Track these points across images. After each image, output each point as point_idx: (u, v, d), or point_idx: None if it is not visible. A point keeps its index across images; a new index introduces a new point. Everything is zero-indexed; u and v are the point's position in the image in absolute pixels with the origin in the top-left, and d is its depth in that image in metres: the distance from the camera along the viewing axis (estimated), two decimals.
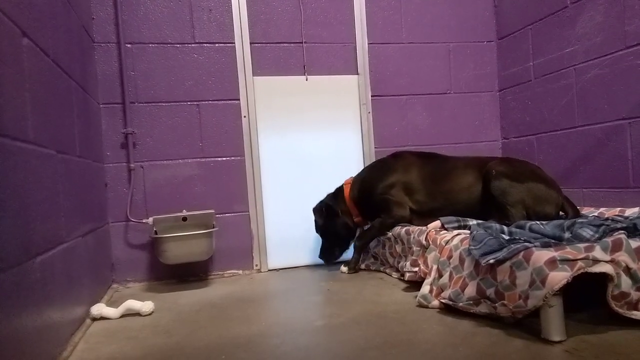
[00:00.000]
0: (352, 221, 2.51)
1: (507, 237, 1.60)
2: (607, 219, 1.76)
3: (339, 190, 2.55)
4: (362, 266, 2.50)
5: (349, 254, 2.67)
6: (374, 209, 2.41)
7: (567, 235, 1.61)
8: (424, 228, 1.99)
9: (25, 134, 1.29)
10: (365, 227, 2.51)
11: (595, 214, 2.12)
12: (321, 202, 2.55)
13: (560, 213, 2.11)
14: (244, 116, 2.66)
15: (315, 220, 2.54)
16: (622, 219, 1.73)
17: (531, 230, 1.71)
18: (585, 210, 2.22)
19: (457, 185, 2.28)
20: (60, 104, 1.67)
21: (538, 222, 1.75)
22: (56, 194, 1.53)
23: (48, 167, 1.47)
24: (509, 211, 2.05)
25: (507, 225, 1.79)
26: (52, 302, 1.40)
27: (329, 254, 2.55)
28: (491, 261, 1.45)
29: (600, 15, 2.30)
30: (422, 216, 2.30)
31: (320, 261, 2.68)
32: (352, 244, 2.53)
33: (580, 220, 1.72)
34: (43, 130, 1.44)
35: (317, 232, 2.57)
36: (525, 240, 1.52)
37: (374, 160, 2.80)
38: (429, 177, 2.36)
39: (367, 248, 2.52)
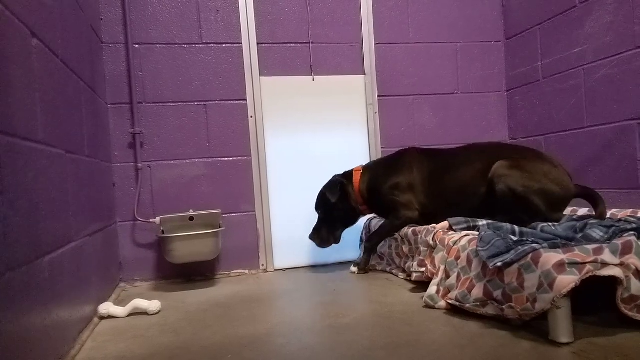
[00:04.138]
0: (357, 207, 2.47)
1: (515, 238, 1.59)
2: (619, 220, 1.74)
3: (349, 175, 2.48)
4: (363, 262, 2.48)
5: (351, 253, 2.67)
6: (381, 207, 2.40)
7: (579, 236, 1.59)
8: (431, 228, 1.99)
9: (35, 134, 1.30)
10: (370, 219, 2.50)
11: (607, 215, 2.10)
12: (334, 180, 2.46)
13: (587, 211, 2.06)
14: (251, 116, 2.67)
15: (323, 197, 2.43)
16: (635, 219, 1.72)
17: (543, 231, 1.69)
18: None
19: (464, 187, 2.22)
20: (69, 104, 1.68)
21: (550, 224, 1.74)
22: (65, 194, 1.55)
23: (57, 166, 1.48)
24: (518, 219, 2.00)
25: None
26: (61, 301, 1.42)
27: (325, 237, 2.45)
28: (499, 264, 1.44)
29: (609, 15, 2.28)
30: (429, 215, 2.28)
31: (326, 261, 2.69)
32: (360, 242, 2.51)
33: (592, 221, 1.71)
34: (52, 130, 1.46)
35: (317, 210, 2.49)
36: (533, 242, 1.51)
37: None
38: (435, 177, 2.31)
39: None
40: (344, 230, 2.52)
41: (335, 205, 2.41)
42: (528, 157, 2.12)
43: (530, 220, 1.95)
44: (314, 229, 2.49)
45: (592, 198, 2.04)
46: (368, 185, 2.43)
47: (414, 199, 2.33)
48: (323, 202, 2.45)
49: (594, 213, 2.14)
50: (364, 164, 2.53)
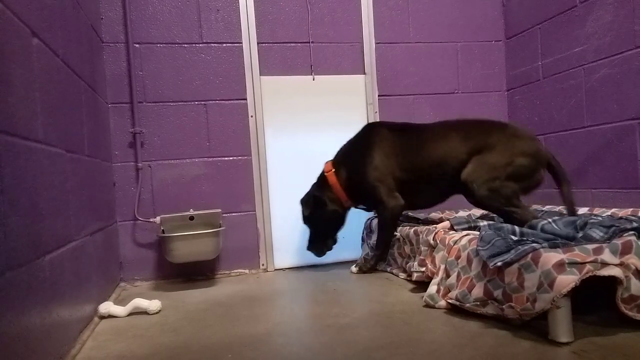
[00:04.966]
0: (341, 207, 2.44)
1: (515, 238, 1.58)
2: (620, 218, 1.75)
3: (322, 178, 2.46)
4: (368, 266, 2.49)
5: (351, 253, 2.68)
6: (365, 195, 2.38)
7: (579, 235, 1.59)
8: (432, 228, 1.99)
9: (35, 134, 1.30)
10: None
11: (608, 213, 2.10)
12: (307, 193, 2.48)
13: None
14: (251, 116, 2.67)
15: (303, 212, 2.47)
16: (635, 218, 1.72)
17: (543, 230, 1.69)
18: (596, 211, 2.20)
19: (438, 161, 2.24)
20: (69, 103, 1.68)
21: (550, 221, 1.74)
22: (65, 193, 1.55)
23: (57, 166, 1.48)
24: (507, 213, 2.05)
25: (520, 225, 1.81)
26: (61, 300, 1.42)
27: (321, 245, 2.49)
28: (499, 264, 1.44)
29: (609, 14, 2.28)
30: (408, 189, 2.30)
31: (327, 260, 2.68)
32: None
33: (592, 220, 1.71)
34: (52, 129, 1.46)
35: (304, 223, 2.50)
36: (533, 241, 1.51)
37: None
38: (408, 150, 2.30)
39: (370, 244, 2.50)
40: (336, 234, 2.53)
41: (317, 217, 2.44)
42: (493, 142, 2.14)
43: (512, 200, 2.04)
44: (309, 241, 2.53)
45: (556, 175, 2.11)
46: (348, 177, 2.39)
47: (393, 182, 2.30)
48: (305, 217, 2.48)
49: (594, 213, 2.15)
50: (332, 159, 2.48)
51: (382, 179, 2.30)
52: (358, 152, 2.39)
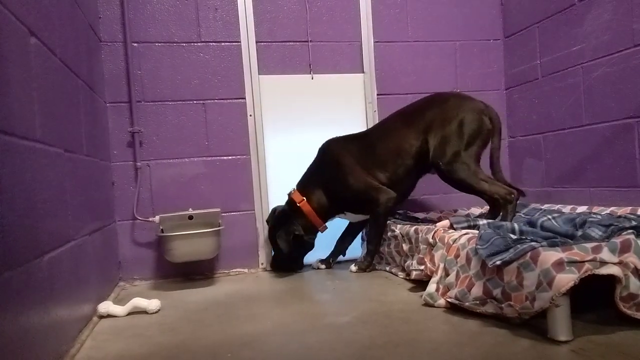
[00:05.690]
0: (316, 233, 2.48)
1: (515, 237, 1.59)
2: (619, 216, 1.75)
3: (294, 209, 2.42)
4: (366, 263, 2.49)
5: (350, 252, 2.67)
6: (353, 204, 2.40)
7: (579, 233, 1.60)
8: (431, 227, 1.99)
9: (33, 133, 1.30)
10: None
11: (607, 212, 2.11)
12: (280, 223, 2.44)
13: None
14: (250, 115, 2.67)
15: (280, 246, 2.43)
16: (634, 217, 1.72)
17: (543, 228, 1.69)
18: (595, 210, 2.21)
19: (396, 149, 2.32)
20: (67, 103, 1.68)
21: (550, 218, 1.74)
22: (63, 193, 1.54)
23: (55, 165, 1.48)
24: (479, 190, 2.14)
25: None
26: (60, 300, 1.42)
27: (288, 267, 2.54)
28: (498, 263, 1.44)
29: (608, 13, 2.28)
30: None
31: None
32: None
33: (590, 219, 1.71)
34: (50, 129, 1.45)
35: (273, 246, 2.52)
36: (532, 240, 1.51)
37: None
38: (365, 156, 2.37)
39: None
40: (305, 254, 2.57)
41: (297, 246, 2.45)
42: (431, 117, 2.27)
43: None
44: (275, 260, 2.55)
45: (492, 121, 2.27)
46: (327, 196, 2.41)
47: (372, 178, 2.33)
48: (277, 248, 2.48)
49: (593, 211, 2.15)
50: (298, 189, 2.47)
51: (363, 180, 2.33)
52: (329, 169, 2.43)
